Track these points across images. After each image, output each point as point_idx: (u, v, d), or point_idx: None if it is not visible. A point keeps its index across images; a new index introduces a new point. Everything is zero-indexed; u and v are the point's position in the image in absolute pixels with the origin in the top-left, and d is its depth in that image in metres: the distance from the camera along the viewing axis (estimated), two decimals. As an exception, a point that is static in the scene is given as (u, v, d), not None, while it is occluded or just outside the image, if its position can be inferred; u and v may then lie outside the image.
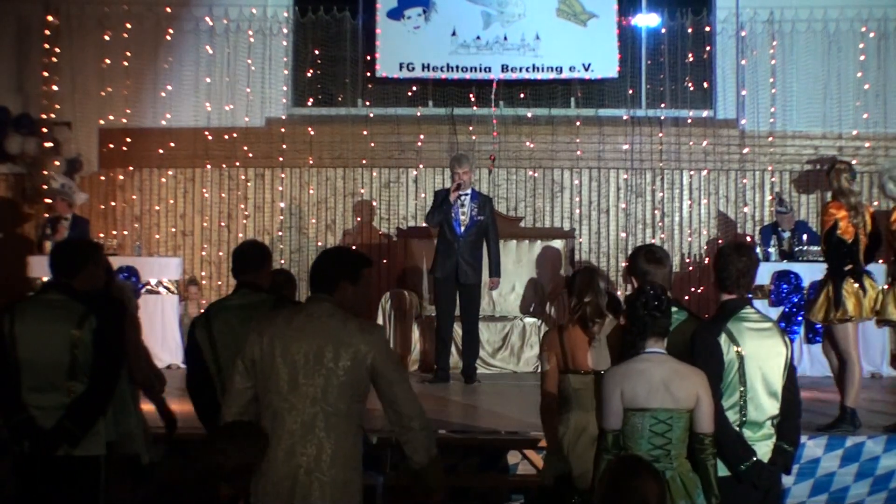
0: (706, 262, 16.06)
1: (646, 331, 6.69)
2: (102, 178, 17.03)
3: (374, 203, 17.13)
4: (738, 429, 6.82)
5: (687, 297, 15.39)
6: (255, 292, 7.60)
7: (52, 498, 7.36)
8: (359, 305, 6.66)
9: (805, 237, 15.41)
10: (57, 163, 16.51)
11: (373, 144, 17.03)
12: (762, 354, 6.87)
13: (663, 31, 17.11)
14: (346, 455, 6.30)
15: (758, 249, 15.59)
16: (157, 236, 17.12)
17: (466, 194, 13.84)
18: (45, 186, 16.52)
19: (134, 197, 17.19)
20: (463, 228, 13.78)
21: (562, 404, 7.67)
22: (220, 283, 16.78)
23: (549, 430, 7.72)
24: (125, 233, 16.93)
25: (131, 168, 17.17)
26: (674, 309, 7.36)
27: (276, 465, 6.26)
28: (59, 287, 7.56)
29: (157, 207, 17.21)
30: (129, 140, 17.05)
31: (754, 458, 6.80)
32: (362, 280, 6.64)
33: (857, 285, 10.53)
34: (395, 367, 6.47)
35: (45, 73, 17.03)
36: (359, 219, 17.15)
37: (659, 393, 6.52)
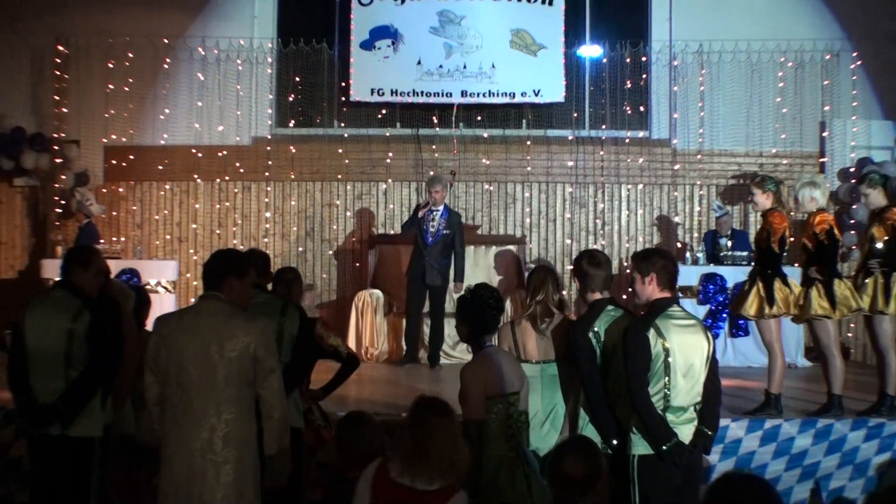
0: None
1: (491, 327, 7.01)
2: (105, 190, 16.93)
3: (349, 213, 17.06)
4: (662, 413, 6.83)
5: (625, 297, 15.39)
6: (262, 293, 7.89)
7: (55, 475, 7.35)
8: (246, 299, 6.66)
9: (729, 244, 15.48)
10: (64, 176, 16.49)
11: (347, 161, 16.98)
12: (686, 348, 6.88)
13: (605, 60, 17.11)
14: (238, 435, 6.29)
15: (688, 254, 15.70)
16: (156, 242, 17.04)
17: (438, 210, 14.11)
18: (57, 197, 16.52)
19: (135, 207, 17.11)
20: (431, 239, 14.04)
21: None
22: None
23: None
24: (123, 239, 16.81)
25: (132, 182, 17.09)
26: (610, 307, 7.46)
27: (177, 450, 6.26)
28: (63, 285, 7.60)
29: (155, 216, 17.12)
30: (130, 157, 16.97)
31: (675, 440, 6.81)
32: (248, 277, 6.68)
33: (785, 286, 10.62)
34: (272, 359, 6.45)
35: (56, 97, 16.96)
36: (335, 227, 17.09)
37: (507, 380, 6.76)
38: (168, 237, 17.12)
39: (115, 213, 17.00)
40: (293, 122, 17.32)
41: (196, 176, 17.08)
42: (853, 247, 14.14)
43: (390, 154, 16.99)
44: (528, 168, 17.03)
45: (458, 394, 6.92)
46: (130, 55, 16.90)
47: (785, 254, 10.79)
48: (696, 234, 16.64)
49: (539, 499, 6.65)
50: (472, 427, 6.77)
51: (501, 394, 6.79)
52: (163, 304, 14.61)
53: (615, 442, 7.09)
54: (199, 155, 17.00)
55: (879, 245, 10.60)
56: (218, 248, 6.90)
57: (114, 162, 17.06)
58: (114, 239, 16.59)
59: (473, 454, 6.73)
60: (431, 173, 15.58)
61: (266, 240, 16.95)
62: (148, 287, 14.45)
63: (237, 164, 17.03)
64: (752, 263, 11.35)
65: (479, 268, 15.70)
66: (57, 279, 8.53)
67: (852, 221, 15.25)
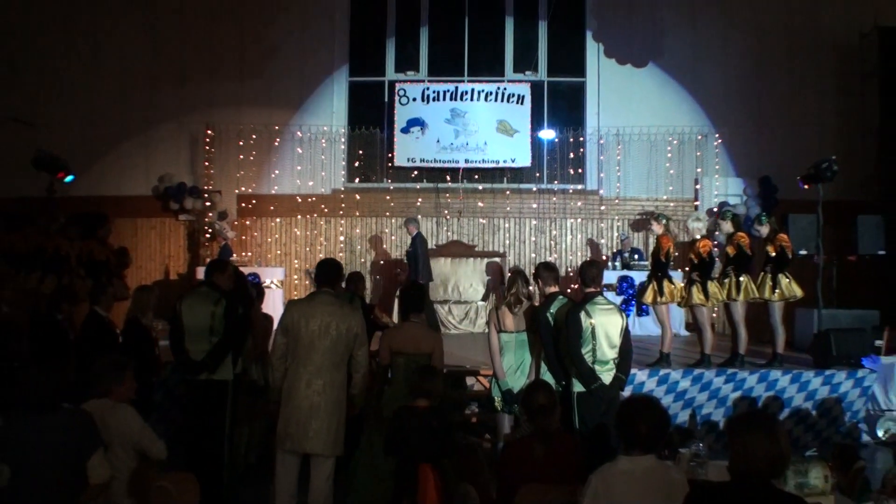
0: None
1: (416, 309, 7.20)
2: (237, 222, 16.87)
3: (393, 237, 16.99)
4: (591, 365, 6.79)
5: (569, 290, 15.30)
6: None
7: (203, 406, 7.35)
8: (344, 296, 6.86)
9: (636, 256, 15.48)
10: (211, 214, 16.49)
11: (392, 204, 16.91)
12: (606, 323, 6.88)
13: (556, 139, 17.05)
14: (338, 385, 6.35)
15: (609, 264, 15.66)
16: (269, 255, 16.98)
17: (412, 237, 14.38)
18: (206, 227, 16.51)
19: (256, 234, 17.04)
20: (409, 255, 14.39)
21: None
22: (306, 283, 16.71)
23: (495, 365, 7.65)
24: (249, 253, 16.75)
25: (254, 217, 17.01)
26: (561, 297, 7.45)
27: (300, 391, 6.27)
28: (206, 283, 7.59)
29: (269, 239, 17.06)
30: (253, 201, 16.91)
31: (600, 382, 6.79)
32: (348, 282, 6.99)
33: (670, 283, 10.65)
34: (364, 337, 6.52)
35: (206, 163, 16.92)
36: (384, 246, 17.02)
37: (412, 343, 7.00)
38: (278, 252, 17.02)
39: (243, 237, 16.92)
40: (358, 179, 17.22)
41: (296, 213, 17.00)
42: (716, 258, 14.09)
43: (420, 199, 16.90)
44: (508, 209, 16.93)
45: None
46: (254, 136, 16.87)
47: (671, 263, 10.84)
48: (614, 251, 16.54)
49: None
50: (381, 368, 7.10)
51: (403, 351, 6.98)
52: (274, 296, 14.61)
53: (563, 384, 7.06)
54: (298, 200, 16.92)
55: (731, 256, 10.71)
56: (324, 258, 6.94)
57: (243, 205, 16.98)
58: (243, 254, 16.53)
59: (380, 386, 7.10)
60: (405, 218, 15.63)
61: (341, 254, 16.85)
62: (265, 284, 14.48)
63: (322, 206, 16.93)
64: (650, 269, 11.33)
65: (475, 272, 15.61)
66: (201, 279, 8.53)
67: (715, 243, 15.17)
